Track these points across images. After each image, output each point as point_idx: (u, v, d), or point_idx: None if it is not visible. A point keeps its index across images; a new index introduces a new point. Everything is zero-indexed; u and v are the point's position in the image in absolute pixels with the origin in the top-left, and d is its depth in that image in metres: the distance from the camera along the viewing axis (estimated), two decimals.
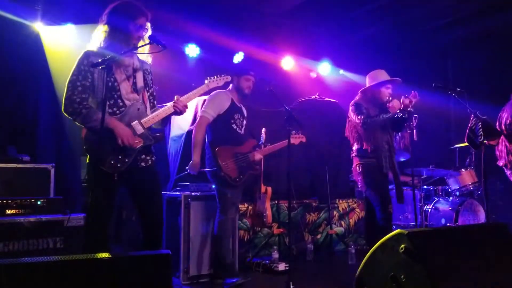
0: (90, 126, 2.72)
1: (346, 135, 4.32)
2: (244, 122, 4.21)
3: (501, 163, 4.58)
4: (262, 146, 4.29)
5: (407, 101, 3.87)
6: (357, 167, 4.12)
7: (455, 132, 7.23)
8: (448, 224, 5.54)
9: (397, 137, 4.64)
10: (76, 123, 2.77)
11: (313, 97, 6.17)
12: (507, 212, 5.92)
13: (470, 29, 6.61)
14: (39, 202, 3.72)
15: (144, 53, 2.99)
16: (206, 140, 4.03)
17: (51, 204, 3.78)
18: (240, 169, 3.92)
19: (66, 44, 4.99)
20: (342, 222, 5.72)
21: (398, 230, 2.11)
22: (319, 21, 6.33)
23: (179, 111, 2.95)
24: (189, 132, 5.02)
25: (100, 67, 2.63)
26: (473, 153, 5.84)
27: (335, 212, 5.66)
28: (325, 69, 7.08)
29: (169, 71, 5.14)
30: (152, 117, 2.89)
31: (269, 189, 4.80)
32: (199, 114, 4.02)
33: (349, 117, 4.26)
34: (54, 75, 4.94)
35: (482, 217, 5.58)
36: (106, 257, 1.82)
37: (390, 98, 4.15)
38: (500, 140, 4.48)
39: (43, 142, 4.91)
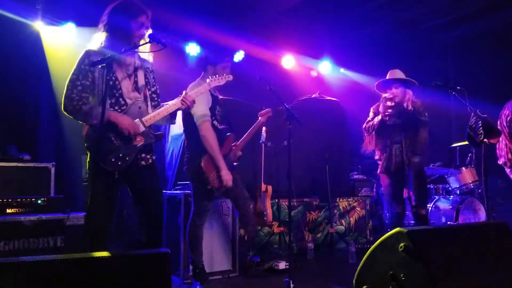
0: (92, 123, 2.73)
1: None
2: (221, 111, 3.84)
3: (501, 161, 4.58)
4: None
5: (386, 104, 4.12)
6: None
7: (456, 131, 7.23)
8: (448, 222, 5.54)
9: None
10: (78, 121, 2.78)
11: (313, 95, 6.15)
12: (507, 211, 5.91)
13: (470, 27, 6.61)
14: (39, 201, 3.73)
15: (145, 52, 2.99)
16: (186, 136, 3.80)
17: (51, 203, 3.78)
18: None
19: (65, 44, 4.99)
20: (343, 221, 5.72)
21: (397, 229, 2.11)
22: (319, 20, 6.32)
23: (186, 106, 2.95)
24: None
25: (100, 66, 2.63)
26: (473, 151, 5.84)
27: (335, 211, 5.66)
28: (325, 67, 7.08)
29: (169, 70, 5.14)
30: (153, 116, 2.89)
31: (270, 187, 4.81)
32: (197, 120, 3.61)
33: None
34: (53, 75, 4.94)
35: (482, 215, 5.58)
36: (105, 256, 1.82)
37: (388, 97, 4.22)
38: (500, 139, 4.48)
39: (43, 141, 4.92)
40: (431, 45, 7.23)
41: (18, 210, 3.63)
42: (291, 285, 3.47)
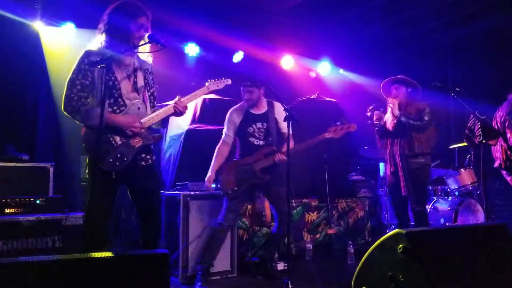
0: (90, 124, 2.73)
1: None
2: (273, 125, 4.00)
3: (496, 163, 4.58)
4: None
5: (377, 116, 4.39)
6: None
7: (455, 132, 7.24)
8: (447, 224, 5.54)
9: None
10: (76, 121, 2.78)
11: (312, 96, 6.16)
12: (506, 212, 5.92)
13: (469, 28, 6.61)
14: (38, 201, 3.73)
15: (144, 52, 2.99)
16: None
17: (50, 203, 3.78)
18: (238, 181, 3.88)
19: (65, 44, 5.00)
20: (341, 222, 5.72)
21: (396, 230, 2.11)
22: (319, 20, 6.33)
23: (179, 112, 2.95)
24: (188, 131, 5.03)
25: (99, 66, 2.63)
26: (472, 152, 5.84)
27: (334, 212, 5.66)
28: (325, 68, 7.09)
29: (168, 70, 5.15)
30: (152, 117, 2.90)
31: None
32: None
33: None
34: (52, 75, 4.94)
35: (481, 217, 5.58)
36: (104, 257, 1.82)
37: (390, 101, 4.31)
38: (497, 140, 4.48)
39: (42, 141, 4.93)
40: (430, 46, 7.24)
41: (17, 210, 3.63)
42: (290, 286, 3.46)
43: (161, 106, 3.04)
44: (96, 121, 2.60)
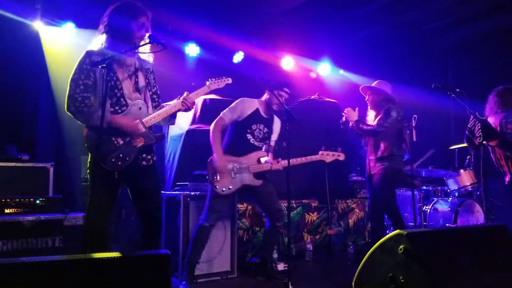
0: (92, 125, 2.73)
1: None
2: (271, 134, 4.07)
3: (507, 178, 4.41)
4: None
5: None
6: None
7: (455, 133, 7.24)
8: (447, 224, 5.54)
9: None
10: (78, 121, 2.78)
11: (312, 97, 6.17)
12: (506, 213, 5.92)
13: (470, 29, 6.62)
14: (38, 201, 3.72)
15: (145, 53, 3.00)
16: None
17: (50, 203, 3.77)
18: (233, 181, 3.81)
19: (65, 44, 4.99)
20: (341, 223, 5.72)
21: (397, 231, 2.11)
22: (319, 21, 6.33)
23: (187, 107, 2.96)
24: (188, 132, 5.03)
25: (100, 66, 2.63)
26: (472, 153, 5.84)
27: (334, 212, 5.66)
28: (325, 69, 7.08)
29: (169, 71, 5.15)
30: (154, 117, 2.90)
31: None
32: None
33: None
34: (52, 75, 4.94)
35: (481, 218, 5.58)
36: (105, 257, 1.82)
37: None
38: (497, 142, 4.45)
39: (42, 141, 4.92)
40: (430, 47, 7.24)
41: (17, 210, 3.63)
42: (290, 287, 3.46)
43: (162, 107, 3.05)
44: (98, 122, 2.61)
